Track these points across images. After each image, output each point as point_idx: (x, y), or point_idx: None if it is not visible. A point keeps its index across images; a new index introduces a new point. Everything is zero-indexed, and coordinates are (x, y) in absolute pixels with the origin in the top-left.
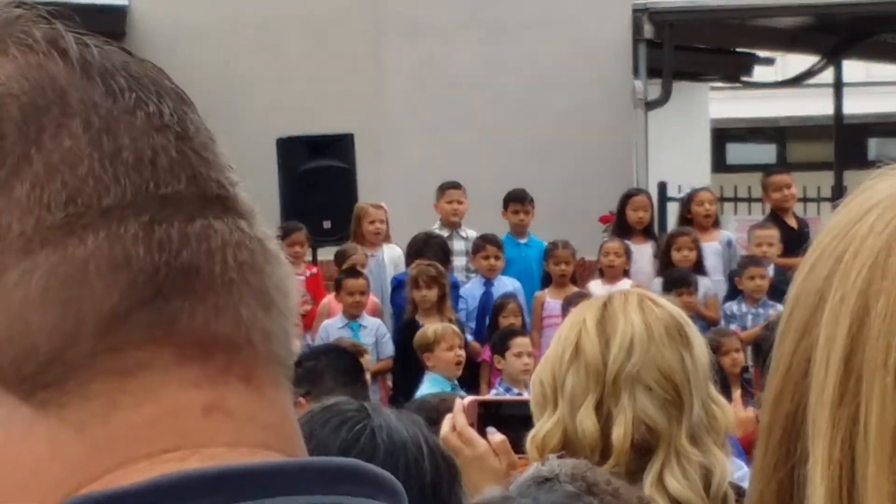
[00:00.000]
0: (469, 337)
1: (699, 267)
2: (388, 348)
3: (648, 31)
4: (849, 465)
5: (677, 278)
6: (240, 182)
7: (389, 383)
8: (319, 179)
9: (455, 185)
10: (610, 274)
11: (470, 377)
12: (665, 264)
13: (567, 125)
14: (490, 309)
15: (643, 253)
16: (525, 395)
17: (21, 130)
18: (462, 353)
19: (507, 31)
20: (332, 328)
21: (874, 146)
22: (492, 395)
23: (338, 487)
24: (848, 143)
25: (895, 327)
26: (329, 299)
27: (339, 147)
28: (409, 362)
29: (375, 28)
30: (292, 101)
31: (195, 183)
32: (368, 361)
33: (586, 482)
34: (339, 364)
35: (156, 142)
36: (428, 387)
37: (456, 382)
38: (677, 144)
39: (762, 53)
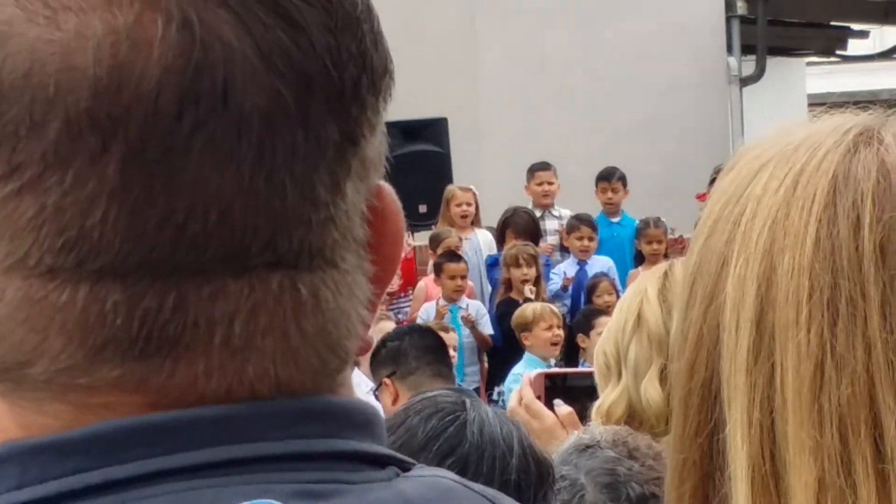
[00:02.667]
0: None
1: None
2: (488, 328)
3: (741, 7)
4: (769, 424)
5: None
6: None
7: (486, 365)
8: (414, 164)
9: (544, 167)
10: None
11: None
12: None
13: (662, 104)
14: (583, 288)
15: None
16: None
17: (58, 143)
18: (560, 332)
19: (601, 10)
20: (432, 310)
21: None
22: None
23: (296, 429)
24: None
25: (803, 284)
26: (426, 282)
27: (433, 131)
28: (505, 341)
29: (470, 10)
30: None
31: (230, 245)
32: (455, 339)
33: (627, 447)
34: (423, 343)
35: (208, 195)
36: (523, 366)
37: (552, 362)
38: (774, 120)
39: (857, 27)
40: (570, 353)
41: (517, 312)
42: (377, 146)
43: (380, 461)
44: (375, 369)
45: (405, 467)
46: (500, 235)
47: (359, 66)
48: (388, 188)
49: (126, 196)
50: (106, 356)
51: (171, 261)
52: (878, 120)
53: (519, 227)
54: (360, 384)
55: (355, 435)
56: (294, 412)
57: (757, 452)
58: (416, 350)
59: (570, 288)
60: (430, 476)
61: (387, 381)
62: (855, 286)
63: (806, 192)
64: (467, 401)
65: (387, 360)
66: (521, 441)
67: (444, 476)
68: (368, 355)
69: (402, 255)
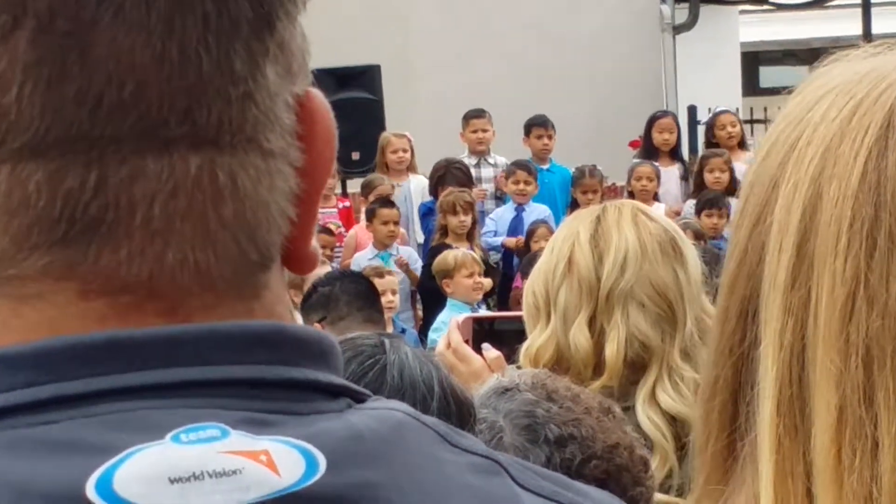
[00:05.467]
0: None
1: (732, 188)
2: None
3: None
4: (799, 349)
5: (710, 200)
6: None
7: (420, 312)
8: (347, 111)
9: (479, 114)
10: (641, 198)
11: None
12: (698, 186)
13: (594, 51)
14: (520, 233)
15: (670, 175)
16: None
17: None
18: (482, 279)
19: None
20: (362, 260)
21: None
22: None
23: (250, 354)
24: None
25: (846, 213)
26: (356, 230)
27: (365, 78)
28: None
29: None
30: (318, 34)
31: (147, 118)
32: (394, 283)
33: (546, 389)
34: (354, 289)
35: (122, 66)
36: (447, 312)
37: (477, 307)
38: (707, 68)
39: None
40: (502, 299)
41: (438, 259)
42: (298, 41)
43: (333, 392)
44: (306, 314)
45: (360, 399)
46: (434, 188)
47: None
48: (317, 92)
49: (40, 71)
50: (32, 242)
51: (90, 136)
52: None
53: (454, 182)
54: None
55: (310, 364)
56: (249, 337)
57: (785, 375)
58: (348, 296)
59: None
60: (382, 409)
61: (317, 325)
62: (895, 221)
63: (861, 124)
64: (386, 342)
65: (317, 305)
66: (442, 382)
67: (398, 409)
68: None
69: (334, 161)
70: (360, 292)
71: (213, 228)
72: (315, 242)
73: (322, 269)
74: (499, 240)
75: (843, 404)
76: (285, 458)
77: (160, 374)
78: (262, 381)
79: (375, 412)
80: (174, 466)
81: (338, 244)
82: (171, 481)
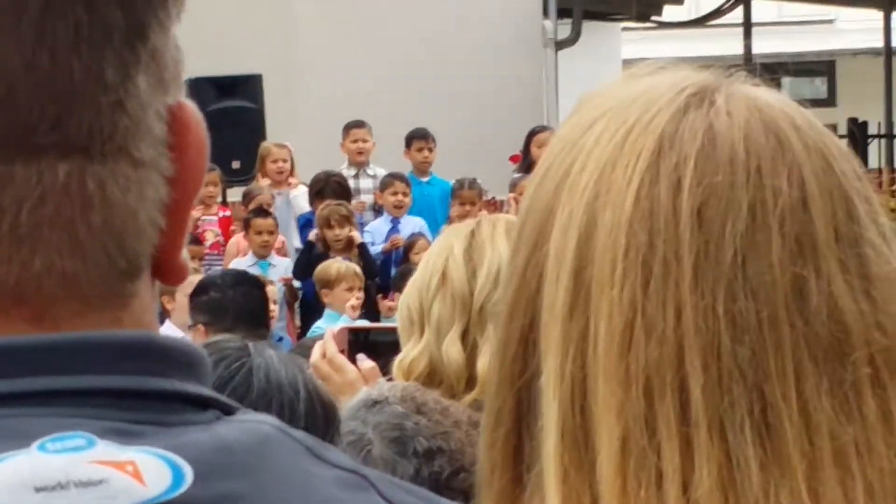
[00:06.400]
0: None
1: None
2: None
3: None
4: (580, 379)
5: None
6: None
7: (298, 322)
8: (228, 120)
9: (359, 124)
10: None
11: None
12: None
13: (477, 65)
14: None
15: None
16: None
17: None
18: (361, 295)
19: None
20: (241, 267)
21: (787, 85)
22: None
23: (120, 364)
24: (761, 83)
25: (620, 241)
26: (237, 239)
27: (247, 87)
28: (317, 297)
29: None
30: (200, 42)
31: (17, 124)
32: (275, 293)
33: (415, 402)
34: (244, 304)
35: None
36: (324, 322)
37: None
38: (589, 84)
39: None
40: (373, 310)
41: (320, 267)
42: (171, 51)
43: (202, 403)
44: (193, 310)
45: (228, 410)
46: (313, 200)
47: None
48: (190, 103)
49: None
50: None
51: None
52: (716, 80)
53: (332, 195)
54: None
55: (179, 375)
56: (118, 346)
57: (567, 406)
58: (237, 308)
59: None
60: (251, 421)
61: (200, 327)
62: (670, 248)
63: (633, 149)
64: (251, 346)
65: (206, 308)
66: (307, 384)
67: (266, 422)
68: (182, 300)
69: (205, 172)
70: (251, 310)
71: (81, 236)
72: (185, 253)
73: (194, 277)
74: (377, 248)
75: (626, 435)
76: (152, 468)
77: (27, 382)
78: (129, 391)
79: (244, 424)
80: (39, 475)
81: (213, 252)
82: (37, 490)
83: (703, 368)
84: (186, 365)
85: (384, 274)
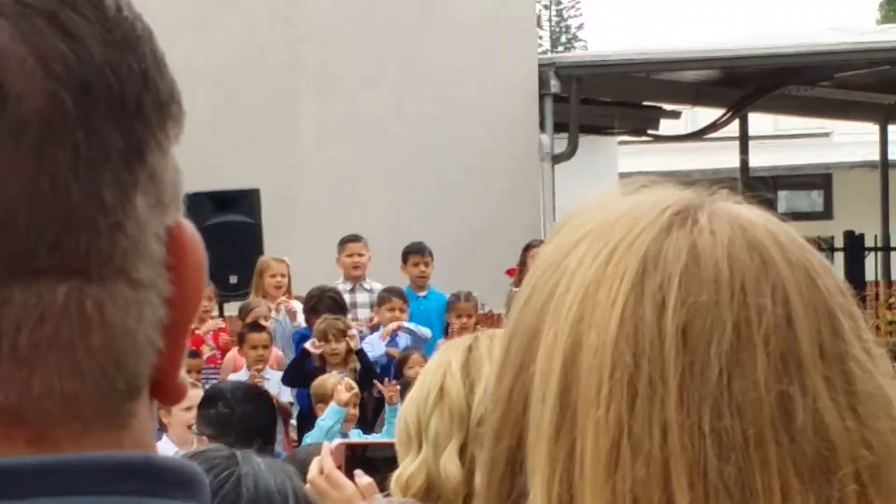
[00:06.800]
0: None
1: None
2: (287, 397)
3: (555, 85)
4: (567, 499)
5: None
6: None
7: (294, 435)
8: (225, 234)
9: (355, 238)
10: None
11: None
12: None
13: (474, 178)
14: (394, 360)
15: None
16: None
17: None
18: (355, 410)
19: (417, 83)
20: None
21: (784, 198)
22: (359, 439)
23: (119, 485)
24: (757, 196)
25: (606, 361)
26: (234, 353)
27: (245, 202)
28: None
29: (284, 81)
30: (198, 157)
31: (15, 247)
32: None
33: None
34: (252, 423)
35: None
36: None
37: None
38: (586, 193)
39: (668, 107)
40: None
41: (317, 382)
42: (170, 172)
43: None
44: (200, 421)
45: None
46: (308, 315)
47: (140, 82)
48: (188, 223)
49: None
50: None
51: None
52: (698, 198)
53: (327, 310)
54: (167, 451)
55: (178, 494)
56: (118, 467)
57: None
58: (243, 426)
59: (379, 362)
60: None
61: (204, 438)
62: (655, 368)
63: (616, 270)
64: (238, 454)
65: (213, 421)
66: (296, 492)
67: None
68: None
69: (203, 292)
70: (259, 427)
71: (80, 357)
72: (184, 373)
73: (192, 392)
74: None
75: None
76: None
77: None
78: None
79: None
80: None
81: (209, 366)
82: None
83: (689, 487)
84: (185, 483)
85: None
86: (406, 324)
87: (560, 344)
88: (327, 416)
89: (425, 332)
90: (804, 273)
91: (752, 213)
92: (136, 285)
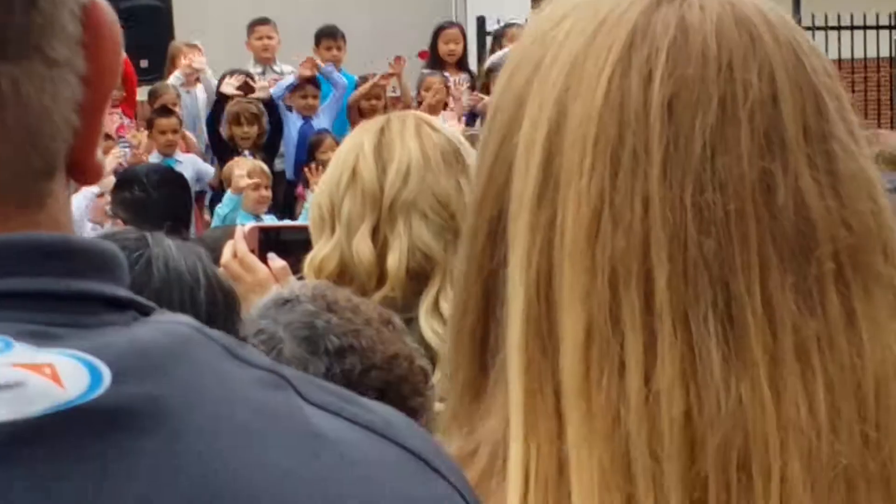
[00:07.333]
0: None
1: None
2: (209, 178)
3: None
4: (546, 268)
5: None
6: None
7: (207, 217)
8: (135, 19)
9: (264, 21)
10: (431, 109)
11: (288, 212)
12: (487, 95)
13: None
14: (306, 145)
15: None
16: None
17: None
18: (267, 193)
19: None
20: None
21: None
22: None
23: (35, 267)
24: None
25: (590, 132)
26: (143, 138)
27: None
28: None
29: None
30: None
31: None
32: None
33: (326, 300)
34: (171, 206)
35: None
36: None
37: (261, 218)
38: None
39: None
40: (290, 209)
41: (226, 167)
42: None
43: (120, 304)
44: (115, 204)
45: (145, 311)
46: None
47: None
48: (104, 2)
49: None
50: None
51: None
52: None
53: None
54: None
55: (96, 276)
56: (35, 248)
57: (533, 294)
58: (161, 210)
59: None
60: (168, 322)
61: (119, 221)
62: (639, 140)
63: (604, 42)
64: (148, 236)
65: (129, 205)
66: (206, 272)
67: (183, 322)
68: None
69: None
70: (175, 212)
71: (7, 122)
72: (100, 153)
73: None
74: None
75: (591, 323)
76: (70, 370)
77: None
78: (46, 293)
79: (161, 325)
80: None
81: (121, 136)
82: None
83: (668, 260)
84: (103, 265)
85: (296, 166)
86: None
87: (545, 114)
88: (224, 203)
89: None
90: (791, 52)
91: None
92: (52, 63)
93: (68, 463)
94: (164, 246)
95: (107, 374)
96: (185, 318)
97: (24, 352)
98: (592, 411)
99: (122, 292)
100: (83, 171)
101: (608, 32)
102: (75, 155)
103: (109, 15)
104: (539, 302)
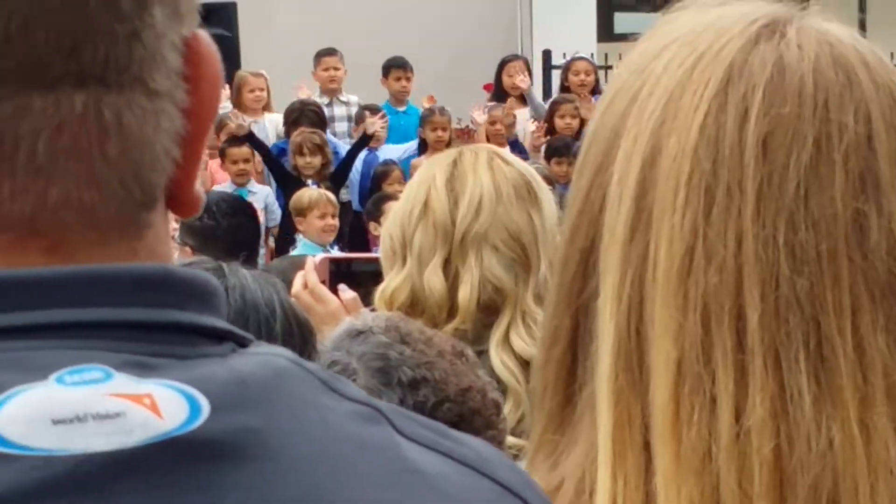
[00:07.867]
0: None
1: (582, 135)
2: (277, 214)
3: None
4: (637, 302)
5: (559, 146)
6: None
7: (272, 244)
8: None
9: (331, 52)
10: (496, 141)
11: (360, 244)
12: (548, 132)
13: None
14: (371, 176)
15: (520, 118)
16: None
17: None
18: (334, 221)
19: None
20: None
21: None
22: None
23: (134, 297)
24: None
25: (684, 167)
26: (211, 167)
27: (222, 16)
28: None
29: None
30: None
31: (34, 54)
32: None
33: (399, 332)
34: (239, 235)
35: (8, 2)
36: (300, 250)
37: (329, 248)
38: (563, 13)
39: None
40: (357, 239)
41: (294, 197)
42: None
43: (218, 336)
44: (183, 230)
45: (243, 343)
46: (288, 128)
47: None
48: (205, 34)
49: None
50: None
51: None
52: (788, 13)
53: (308, 123)
54: None
55: (195, 307)
56: (134, 278)
57: (623, 328)
58: (229, 239)
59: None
60: (266, 354)
61: (187, 249)
62: (734, 177)
63: (702, 77)
64: (225, 266)
65: (197, 232)
66: (282, 304)
67: (280, 355)
68: None
69: (219, 103)
70: (243, 241)
71: (97, 166)
72: (199, 185)
73: None
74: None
75: (682, 359)
76: (169, 401)
77: (43, 314)
78: (146, 323)
79: (258, 357)
80: (57, 408)
81: None
82: (54, 422)
83: (761, 298)
84: (202, 296)
85: (361, 199)
86: None
87: (640, 147)
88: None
89: None
90: (888, 94)
91: (840, 31)
92: (154, 95)
93: (165, 494)
94: (241, 276)
95: (205, 406)
96: (282, 351)
97: (123, 382)
98: (683, 447)
99: (221, 323)
100: (182, 203)
101: (706, 68)
102: (175, 186)
103: (210, 47)
104: (629, 335)
